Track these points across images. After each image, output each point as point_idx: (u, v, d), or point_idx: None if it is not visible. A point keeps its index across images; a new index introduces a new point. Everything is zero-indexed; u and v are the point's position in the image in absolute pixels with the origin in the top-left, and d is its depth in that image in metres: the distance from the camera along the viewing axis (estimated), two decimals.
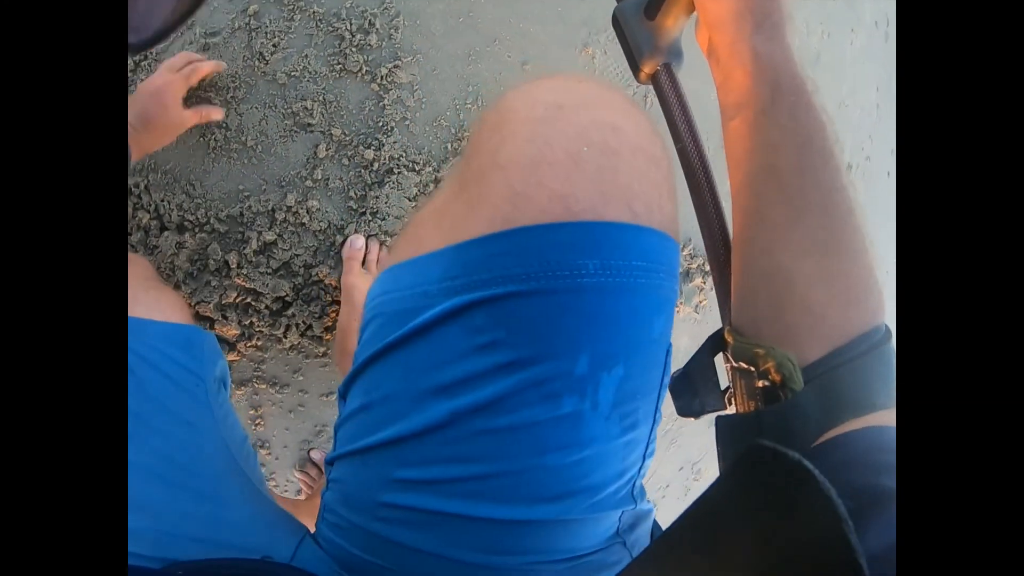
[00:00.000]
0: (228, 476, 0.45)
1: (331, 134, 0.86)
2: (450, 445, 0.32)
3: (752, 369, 0.37)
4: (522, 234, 0.30)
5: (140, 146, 0.74)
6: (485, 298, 0.30)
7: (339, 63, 0.86)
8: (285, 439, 0.98)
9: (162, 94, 0.74)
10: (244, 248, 0.86)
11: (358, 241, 0.85)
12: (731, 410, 0.41)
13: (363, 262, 0.85)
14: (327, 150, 0.86)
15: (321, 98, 0.86)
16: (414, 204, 0.89)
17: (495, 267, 0.30)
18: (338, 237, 0.87)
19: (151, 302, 0.54)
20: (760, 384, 0.36)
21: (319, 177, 0.86)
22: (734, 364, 0.39)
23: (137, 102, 0.73)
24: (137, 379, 0.46)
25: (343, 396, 0.40)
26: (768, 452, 0.20)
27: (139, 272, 0.59)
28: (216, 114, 0.82)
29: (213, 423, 0.48)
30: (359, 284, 0.82)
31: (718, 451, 0.40)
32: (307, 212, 0.86)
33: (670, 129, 0.49)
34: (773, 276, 0.37)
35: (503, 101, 0.34)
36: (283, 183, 0.86)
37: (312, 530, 0.84)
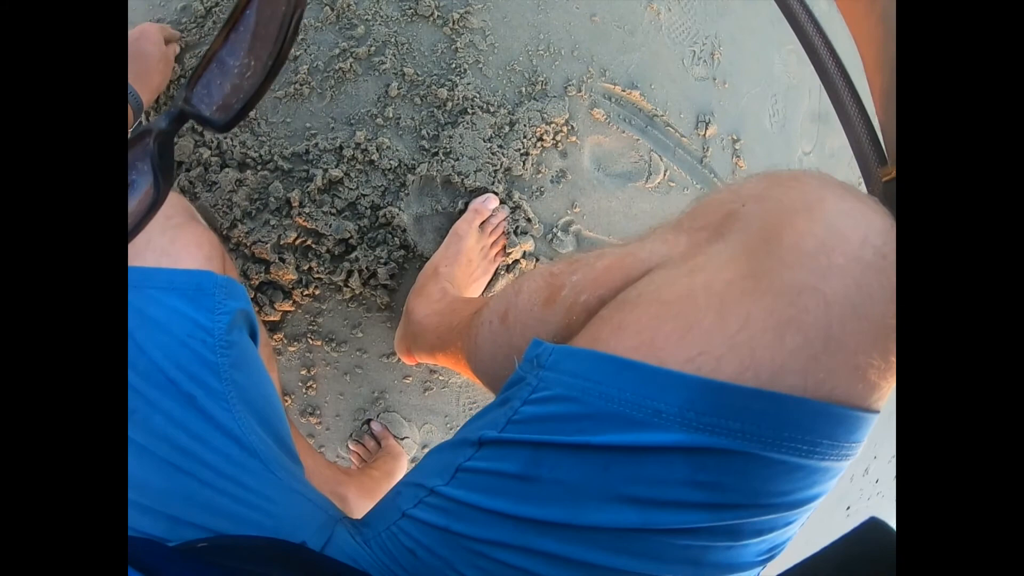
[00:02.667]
0: (234, 461, 0.41)
1: (403, 73, 0.80)
2: (620, 543, 0.32)
3: None
4: (793, 405, 0.29)
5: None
6: (727, 449, 0.29)
7: (411, 8, 0.81)
8: (338, 407, 0.87)
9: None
10: (308, 186, 0.78)
11: (492, 201, 0.81)
12: None
13: (483, 222, 0.82)
14: (399, 89, 0.80)
15: (393, 40, 0.80)
16: (489, 145, 0.82)
17: (749, 421, 0.29)
18: (409, 176, 0.80)
19: (165, 244, 0.46)
20: None
21: (390, 115, 0.80)
22: None
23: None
24: (136, 344, 0.41)
25: (480, 442, 0.36)
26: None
27: (162, 211, 0.50)
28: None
29: (220, 392, 0.42)
30: (471, 235, 0.79)
31: None
32: (376, 150, 0.79)
33: (786, 16, 0.42)
34: None
35: (822, 208, 0.30)
36: (352, 121, 0.80)
37: (353, 499, 0.73)
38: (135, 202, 0.31)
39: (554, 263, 0.45)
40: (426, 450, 0.93)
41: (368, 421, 0.87)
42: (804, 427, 0.29)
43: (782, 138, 1.05)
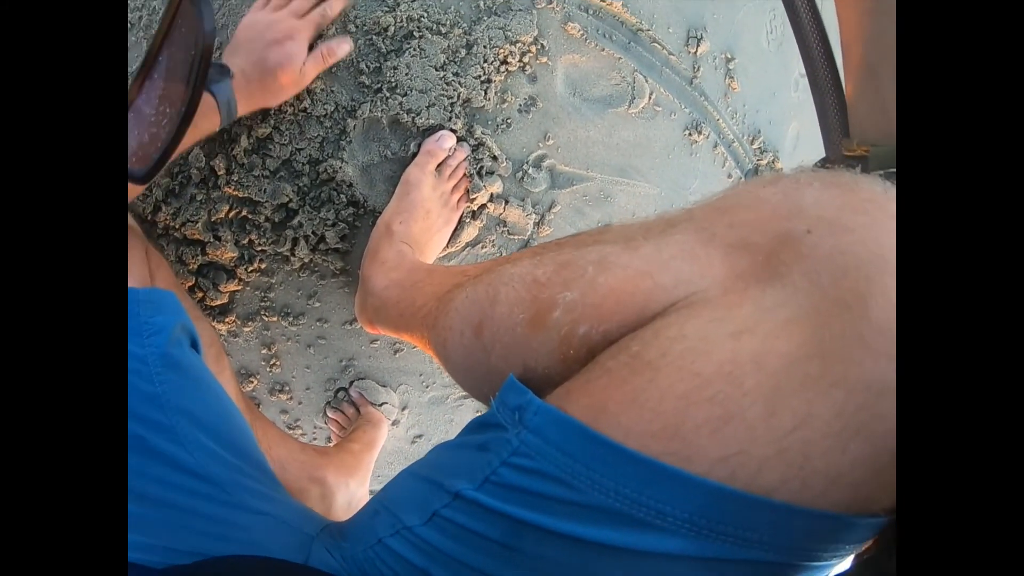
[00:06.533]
0: (200, 495, 0.37)
1: None
2: None
3: None
4: (833, 522, 0.23)
5: (252, 100, 0.57)
6: (742, 559, 0.24)
7: None
8: (307, 380, 0.78)
9: (286, 44, 0.56)
10: (232, 148, 0.63)
11: (448, 140, 0.66)
12: None
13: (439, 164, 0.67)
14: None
15: None
16: (442, 74, 0.65)
17: (775, 534, 0.23)
18: (349, 121, 0.64)
19: None
20: None
21: None
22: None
23: (253, 48, 0.56)
24: None
25: (456, 496, 0.30)
26: None
27: None
28: (344, 48, 0.61)
29: (167, 427, 0.37)
30: (425, 182, 0.65)
31: None
32: (308, 94, 0.62)
33: None
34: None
35: (869, 238, 0.23)
36: None
37: (332, 480, 0.67)
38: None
39: (538, 262, 0.33)
40: (406, 412, 0.85)
41: (344, 388, 0.78)
42: (838, 539, 0.24)
43: (779, 58, 0.88)
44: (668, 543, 0.24)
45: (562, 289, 0.30)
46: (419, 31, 0.64)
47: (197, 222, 0.65)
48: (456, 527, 0.30)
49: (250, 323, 0.72)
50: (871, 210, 0.23)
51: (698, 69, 0.80)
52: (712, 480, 0.23)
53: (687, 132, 0.82)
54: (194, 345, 0.43)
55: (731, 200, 0.27)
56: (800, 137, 0.95)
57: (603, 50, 0.74)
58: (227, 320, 0.72)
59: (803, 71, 0.96)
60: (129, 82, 0.30)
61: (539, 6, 0.69)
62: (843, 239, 0.22)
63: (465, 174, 0.69)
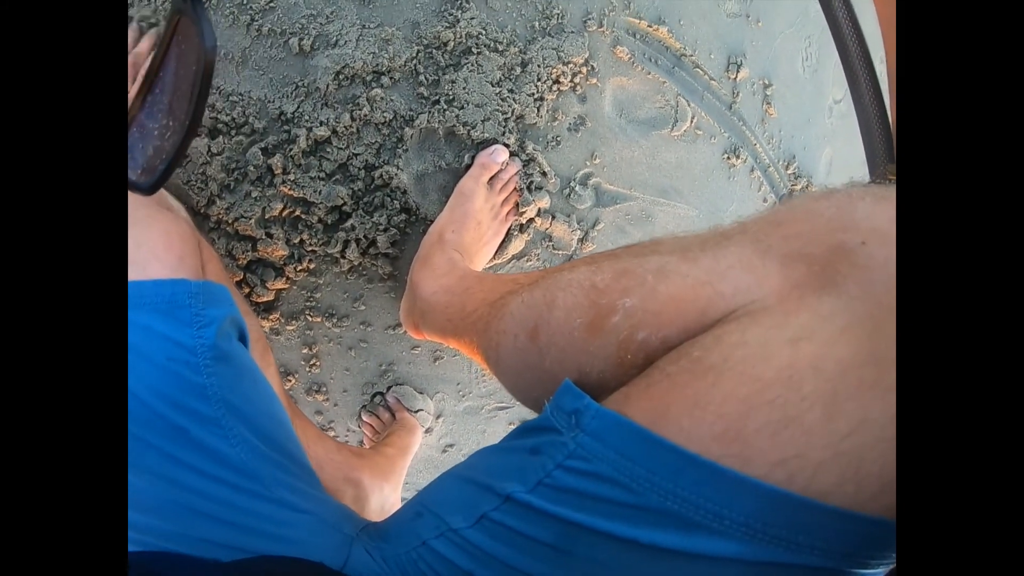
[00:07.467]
0: (240, 489, 0.37)
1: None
2: None
3: None
4: (885, 527, 0.23)
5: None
6: (795, 564, 0.24)
7: None
8: (344, 382, 0.78)
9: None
10: (290, 149, 0.64)
11: (502, 154, 0.67)
12: None
13: (492, 177, 0.68)
14: (394, 29, 0.64)
15: None
16: (498, 90, 0.67)
17: (828, 539, 0.24)
18: (407, 129, 0.66)
19: (129, 249, 0.38)
20: None
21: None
22: None
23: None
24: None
25: (507, 498, 0.30)
26: None
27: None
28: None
29: (212, 418, 0.37)
30: (479, 194, 0.66)
31: None
32: (368, 102, 0.64)
33: None
34: None
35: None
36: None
37: (368, 482, 0.66)
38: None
39: (596, 269, 0.33)
40: (440, 420, 0.85)
41: (381, 393, 0.78)
42: (887, 544, 0.24)
43: (813, 84, 0.89)
44: (723, 546, 0.24)
45: (621, 295, 0.30)
46: (477, 47, 0.66)
47: (250, 218, 0.66)
48: (506, 530, 0.30)
49: (294, 321, 0.73)
50: None
51: (737, 94, 0.82)
52: (769, 483, 0.23)
53: (726, 156, 0.83)
54: (242, 339, 0.43)
55: (785, 213, 0.28)
56: (833, 163, 0.96)
57: (649, 74, 0.76)
58: (271, 317, 0.72)
59: (836, 98, 0.97)
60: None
61: (590, 29, 0.71)
62: (896, 250, 0.23)
63: (516, 188, 0.70)
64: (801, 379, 0.23)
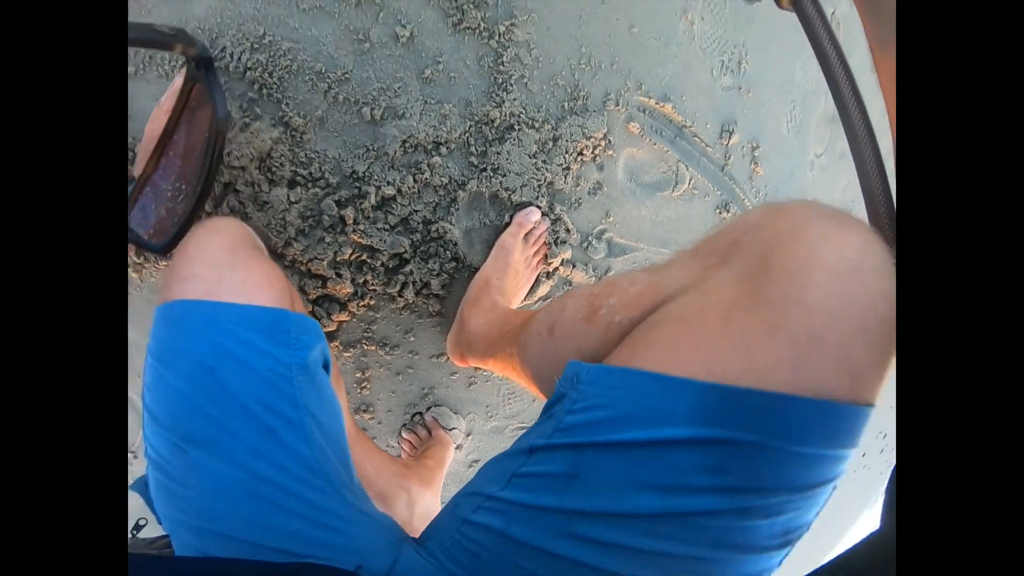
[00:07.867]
0: (313, 486, 0.42)
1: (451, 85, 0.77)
2: (650, 526, 0.34)
3: None
4: (784, 401, 0.31)
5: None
6: (729, 439, 0.32)
7: (458, 19, 0.77)
8: (390, 403, 0.88)
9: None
10: (361, 203, 0.76)
11: (535, 214, 0.82)
12: None
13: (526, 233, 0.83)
14: (450, 106, 0.77)
15: (443, 54, 0.76)
16: (534, 161, 0.80)
17: (747, 416, 0.31)
18: (459, 192, 0.78)
19: (238, 283, 0.45)
20: None
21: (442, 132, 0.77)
22: None
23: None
24: (219, 380, 0.41)
25: (532, 450, 0.39)
26: None
27: (226, 243, 0.47)
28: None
29: (298, 423, 0.43)
30: (517, 248, 0.80)
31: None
32: (428, 167, 0.76)
33: (815, 51, 0.42)
34: None
35: (806, 233, 0.32)
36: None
37: (416, 490, 0.76)
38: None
39: (594, 284, 0.48)
40: (470, 438, 0.96)
41: (420, 412, 0.89)
42: (792, 419, 0.31)
43: (797, 142, 1.05)
44: (676, 431, 0.33)
45: (607, 297, 0.43)
46: (518, 125, 0.79)
47: (323, 260, 0.77)
48: (531, 478, 0.38)
49: (351, 349, 0.84)
50: (783, 215, 0.34)
51: (729, 157, 0.96)
52: (697, 379, 0.32)
53: (718, 210, 0.98)
54: (326, 366, 0.49)
55: (710, 234, 0.40)
56: None
57: (655, 144, 0.90)
58: (332, 345, 0.83)
59: (818, 152, 1.09)
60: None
61: (608, 108, 0.85)
62: (762, 232, 0.34)
63: (545, 242, 0.83)
64: (707, 313, 0.34)
